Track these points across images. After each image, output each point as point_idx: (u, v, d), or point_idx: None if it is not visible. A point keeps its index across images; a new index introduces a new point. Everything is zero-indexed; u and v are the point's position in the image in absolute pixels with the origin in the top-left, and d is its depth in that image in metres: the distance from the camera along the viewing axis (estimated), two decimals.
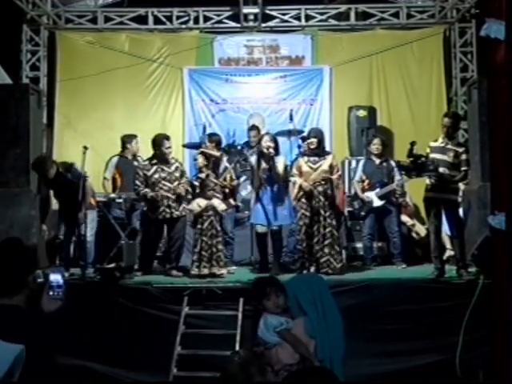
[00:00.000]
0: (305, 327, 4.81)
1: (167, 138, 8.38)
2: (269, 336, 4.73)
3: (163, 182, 8.10)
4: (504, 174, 4.05)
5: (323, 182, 7.92)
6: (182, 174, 8.29)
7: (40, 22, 11.36)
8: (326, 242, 7.83)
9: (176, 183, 8.12)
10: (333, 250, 7.85)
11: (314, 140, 8.04)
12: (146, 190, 8.07)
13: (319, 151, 8.03)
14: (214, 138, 9.28)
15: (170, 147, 8.30)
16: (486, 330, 5.46)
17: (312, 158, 8.01)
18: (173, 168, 8.22)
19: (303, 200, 7.94)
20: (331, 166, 7.98)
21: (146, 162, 8.31)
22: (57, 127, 11.43)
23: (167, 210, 8.07)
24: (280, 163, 8.06)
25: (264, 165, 8.02)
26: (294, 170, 8.14)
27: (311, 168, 7.96)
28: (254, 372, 3.67)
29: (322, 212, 7.86)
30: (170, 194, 8.08)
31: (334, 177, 7.94)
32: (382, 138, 9.47)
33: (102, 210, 8.63)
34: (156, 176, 8.11)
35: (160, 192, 8.04)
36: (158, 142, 8.23)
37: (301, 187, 7.95)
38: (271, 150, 7.96)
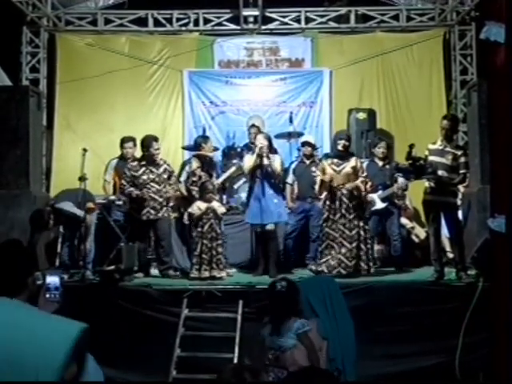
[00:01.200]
0: (318, 329, 4.84)
1: (156, 139, 8.35)
2: (284, 340, 4.75)
3: (151, 183, 8.12)
4: (504, 177, 4.06)
5: (347, 185, 7.93)
6: (170, 175, 8.29)
7: (40, 24, 11.36)
8: (354, 244, 7.79)
9: (163, 185, 8.14)
10: (361, 251, 7.81)
11: (343, 143, 8.06)
12: (131, 189, 8.10)
13: (344, 154, 8.05)
14: (209, 140, 9.32)
15: (158, 149, 8.28)
16: (485, 332, 5.47)
17: (336, 161, 8.04)
18: (161, 170, 8.22)
19: (327, 202, 7.95)
20: (355, 168, 7.98)
21: (135, 163, 8.30)
22: (56, 129, 11.42)
23: (152, 212, 8.09)
24: (276, 162, 8.14)
25: (259, 162, 8.07)
26: (318, 172, 8.17)
27: (335, 171, 7.98)
28: (248, 377, 3.67)
29: (347, 214, 7.85)
30: (157, 197, 8.10)
31: (359, 180, 7.94)
32: (388, 140, 9.48)
33: (101, 212, 8.63)
34: (144, 177, 8.12)
35: (147, 193, 8.07)
36: (147, 143, 8.22)
37: (324, 186, 7.98)
38: (264, 149, 8.03)
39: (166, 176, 8.21)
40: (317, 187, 8.19)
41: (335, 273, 7.71)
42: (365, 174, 8.10)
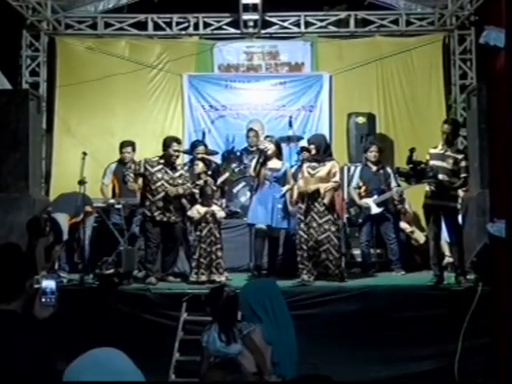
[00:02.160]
0: (262, 334, 4.85)
1: (177, 140, 8.35)
2: (230, 346, 4.75)
3: (165, 184, 8.07)
4: (503, 181, 4.05)
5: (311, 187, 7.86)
6: (184, 182, 8.21)
7: (40, 28, 11.38)
8: (323, 248, 7.74)
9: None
10: (331, 256, 7.76)
11: (312, 146, 8.04)
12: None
13: (319, 157, 8.01)
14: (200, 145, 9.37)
15: (177, 150, 8.24)
16: (484, 337, 5.46)
17: (312, 164, 8.00)
18: (177, 174, 8.17)
19: (300, 205, 7.92)
20: (329, 173, 7.91)
21: (155, 159, 8.20)
22: (56, 133, 11.43)
23: (166, 214, 8.06)
24: (287, 170, 8.23)
25: (266, 165, 8.08)
26: (299, 176, 8.15)
27: (310, 174, 7.94)
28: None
29: (317, 218, 7.80)
30: (170, 198, 8.06)
31: (325, 185, 7.81)
32: (379, 144, 9.48)
33: (100, 216, 8.62)
34: (159, 175, 8.05)
35: (161, 195, 8.00)
36: (168, 143, 8.18)
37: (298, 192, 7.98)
38: (270, 153, 8.04)
39: (180, 181, 8.15)
40: (294, 195, 8.15)
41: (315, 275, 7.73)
42: (336, 178, 7.93)
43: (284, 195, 8.23)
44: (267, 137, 8.87)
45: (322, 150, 8.01)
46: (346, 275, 7.96)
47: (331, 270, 7.76)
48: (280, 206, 8.03)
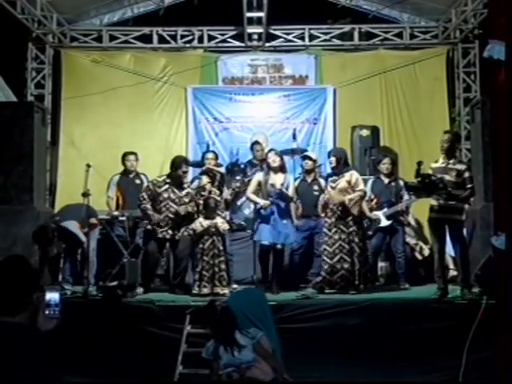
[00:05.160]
0: (267, 341, 4.90)
1: (186, 161, 8.44)
2: (245, 354, 4.76)
3: (170, 203, 8.07)
4: (506, 195, 4.04)
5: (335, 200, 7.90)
6: (191, 199, 8.22)
7: (45, 41, 11.45)
8: (338, 258, 7.78)
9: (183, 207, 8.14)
10: (351, 267, 7.79)
11: (333, 159, 8.09)
12: (148, 206, 8.05)
13: (338, 170, 8.04)
14: (214, 155, 9.42)
15: (186, 171, 8.33)
16: (489, 351, 5.44)
17: (333, 178, 8.07)
18: (184, 192, 8.19)
19: (326, 219, 7.97)
20: (350, 183, 7.94)
21: (161, 179, 8.24)
22: (61, 145, 11.47)
23: (169, 232, 8.07)
24: (290, 182, 8.22)
25: (272, 181, 8.05)
26: (327, 189, 8.18)
27: (332, 187, 7.99)
28: None
29: (345, 229, 7.81)
30: (175, 217, 8.07)
31: (349, 196, 7.87)
32: (392, 157, 9.45)
33: (105, 228, 8.63)
34: (165, 195, 8.09)
35: (165, 214, 8.03)
36: (177, 164, 8.21)
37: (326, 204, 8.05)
38: (276, 165, 8.06)
39: (187, 200, 8.16)
40: (319, 207, 8.31)
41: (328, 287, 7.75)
42: (360, 187, 8.01)
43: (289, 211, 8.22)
44: (271, 150, 8.85)
45: (342, 163, 8.08)
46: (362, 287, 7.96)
47: (355, 281, 7.80)
48: (285, 221, 8.01)
